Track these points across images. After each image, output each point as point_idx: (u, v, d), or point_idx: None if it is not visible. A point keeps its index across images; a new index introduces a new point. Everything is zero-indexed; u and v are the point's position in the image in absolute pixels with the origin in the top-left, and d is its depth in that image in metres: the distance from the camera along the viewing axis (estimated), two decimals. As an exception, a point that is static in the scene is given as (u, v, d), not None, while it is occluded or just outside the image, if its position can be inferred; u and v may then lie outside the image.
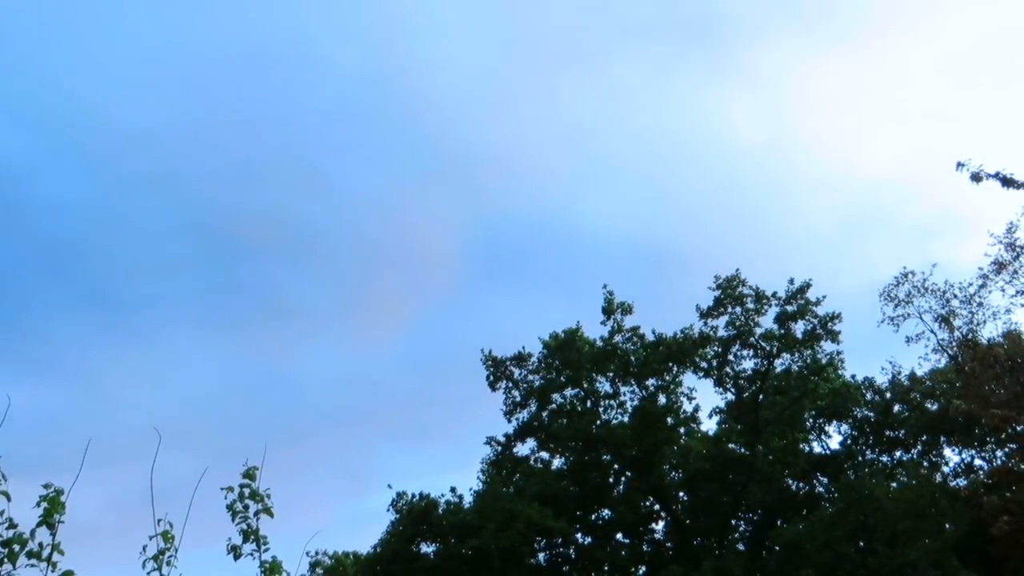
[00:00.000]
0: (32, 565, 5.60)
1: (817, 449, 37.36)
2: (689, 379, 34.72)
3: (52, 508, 5.66)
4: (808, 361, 33.12)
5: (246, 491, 6.18)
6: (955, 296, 33.37)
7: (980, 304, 32.81)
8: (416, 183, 74.66)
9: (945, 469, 35.69)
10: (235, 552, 6.03)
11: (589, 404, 35.08)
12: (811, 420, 36.69)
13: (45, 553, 5.63)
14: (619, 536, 35.28)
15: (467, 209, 77.93)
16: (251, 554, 6.04)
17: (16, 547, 5.56)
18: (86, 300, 68.36)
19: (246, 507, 6.16)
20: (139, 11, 66.56)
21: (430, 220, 72.13)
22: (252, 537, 6.07)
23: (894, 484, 31.95)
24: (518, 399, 35.20)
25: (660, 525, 36.15)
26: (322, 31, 72.85)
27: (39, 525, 5.64)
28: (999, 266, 30.93)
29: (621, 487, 35.32)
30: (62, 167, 66.16)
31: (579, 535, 33.93)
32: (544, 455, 36.13)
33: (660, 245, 72.83)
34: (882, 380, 36.74)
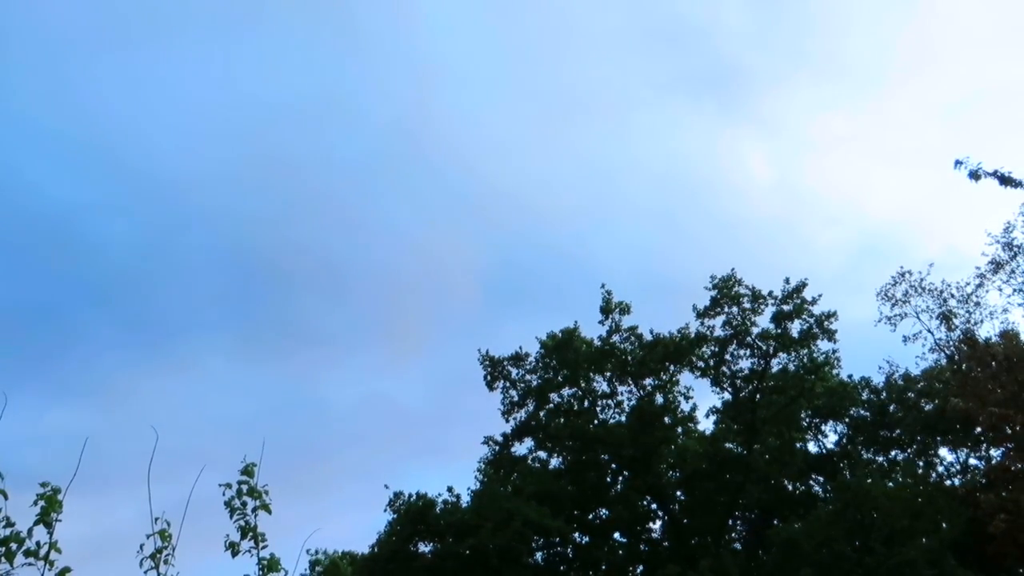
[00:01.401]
0: (29, 564, 5.57)
1: (814, 448, 37.45)
2: (686, 379, 34.83)
3: (49, 507, 5.63)
4: (804, 360, 33.12)
5: (244, 488, 6.17)
6: (952, 296, 33.46)
7: (977, 303, 32.91)
8: (440, 220, 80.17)
9: (941, 468, 35.74)
10: (233, 549, 6.02)
11: (586, 403, 35.09)
12: (808, 419, 36.70)
13: (42, 552, 5.60)
14: (616, 535, 35.26)
15: (488, 244, 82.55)
16: (249, 551, 6.02)
17: (13, 546, 5.54)
18: (132, 329, 73.29)
19: (244, 504, 6.15)
20: (191, 66, 73.32)
21: (452, 254, 77.17)
22: (250, 534, 6.05)
23: (891, 483, 31.95)
24: (516, 399, 35.23)
25: (657, 524, 36.21)
26: (359, 85, 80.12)
27: (36, 524, 5.61)
28: (996, 265, 31.01)
29: (618, 486, 35.30)
30: (116, 208, 73.19)
31: (576, 534, 33.87)
32: (542, 454, 36.16)
33: (673, 278, 75.84)
34: (878, 380, 36.80)
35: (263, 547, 6.04)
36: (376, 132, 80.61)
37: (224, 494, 6.14)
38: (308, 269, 78.82)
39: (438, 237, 77.49)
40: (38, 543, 5.61)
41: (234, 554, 5.98)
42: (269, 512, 6.16)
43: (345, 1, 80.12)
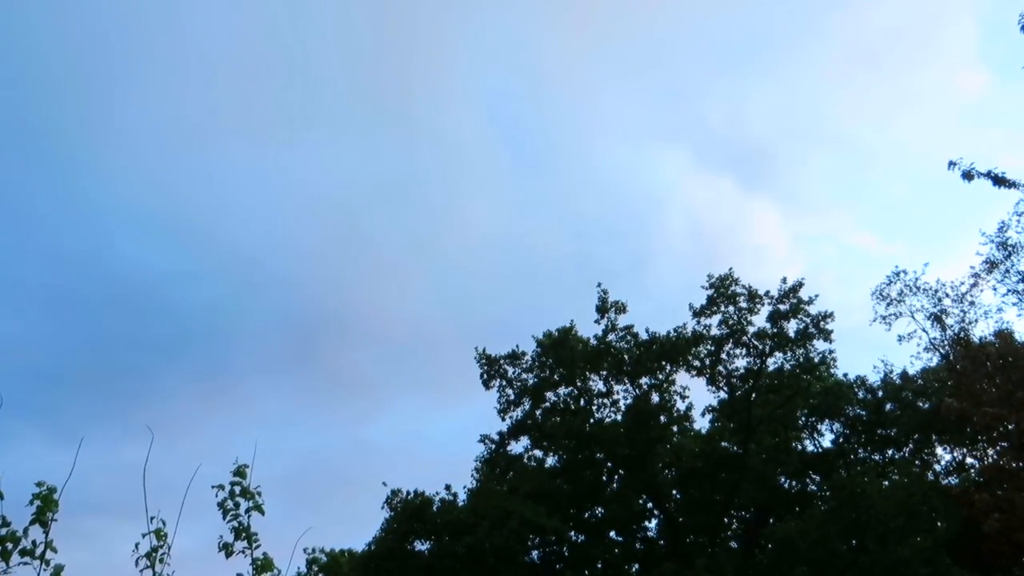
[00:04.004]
0: (25, 563, 5.61)
1: (809, 447, 37.42)
2: (682, 378, 34.70)
3: (45, 506, 5.67)
4: (801, 360, 33.13)
5: (237, 489, 6.23)
6: (947, 295, 33.54)
7: (972, 303, 32.98)
8: (479, 285, 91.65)
9: (937, 467, 35.80)
10: (227, 550, 6.07)
11: (582, 402, 35.11)
12: (803, 418, 36.73)
13: (39, 551, 5.64)
14: (612, 534, 35.35)
15: (523, 306, 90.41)
16: (243, 551, 6.08)
17: (9, 545, 5.57)
18: (201, 378, 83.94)
19: (237, 505, 6.21)
20: (266, 156, 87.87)
21: (490, 313, 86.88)
22: (243, 534, 6.11)
23: (886, 482, 32.03)
24: (512, 397, 35.21)
25: (653, 523, 36.24)
26: (407, 173, 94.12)
27: (32, 523, 5.65)
28: (991, 265, 31.09)
29: (614, 485, 35.38)
30: (198, 276, 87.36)
31: (572, 533, 33.97)
32: (538, 453, 36.18)
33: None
34: (874, 379, 36.84)
35: (256, 547, 6.10)
36: (421, 210, 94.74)
37: (217, 495, 6.21)
38: (360, 326, 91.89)
39: (478, 299, 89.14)
40: (34, 542, 5.65)
41: (228, 555, 6.04)
42: (262, 513, 6.22)
43: (399, 103, 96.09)
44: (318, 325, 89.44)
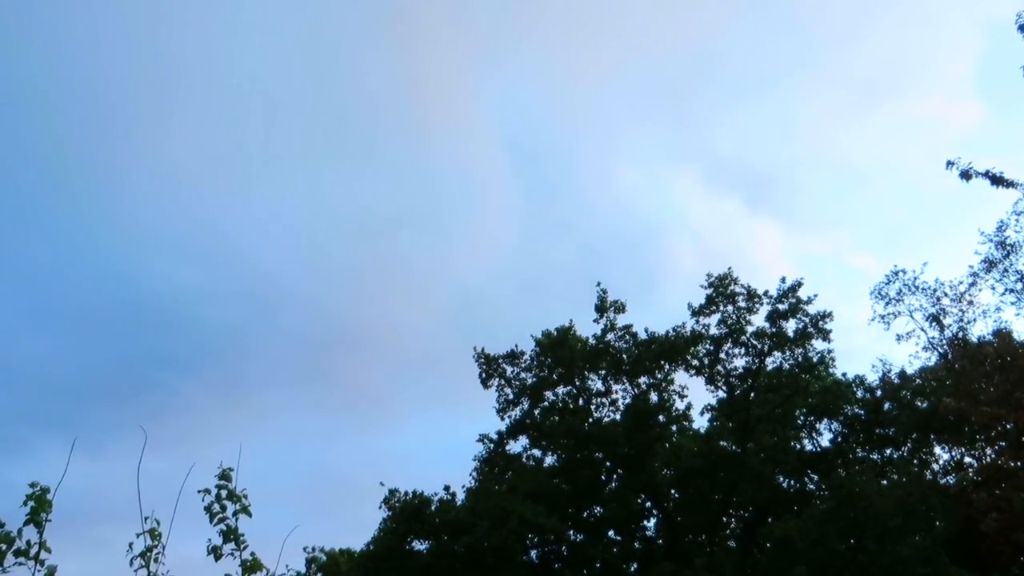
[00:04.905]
0: (20, 564, 5.62)
1: (808, 447, 37.43)
2: (681, 377, 34.77)
3: (39, 506, 5.69)
4: (799, 359, 33.13)
5: (223, 492, 6.24)
6: (945, 295, 33.51)
7: (970, 302, 32.95)
8: (483, 300, 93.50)
9: (935, 467, 35.81)
10: (216, 553, 6.09)
11: (581, 402, 35.13)
12: (802, 418, 36.76)
13: (33, 551, 5.65)
14: (611, 533, 35.34)
15: (529, 329, 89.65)
16: (231, 554, 6.09)
17: (3, 546, 5.58)
18: (219, 391, 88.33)
19: (223, 508, 6.22)
20: (287, 185, 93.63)
21: (493, 326, 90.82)
22: (232, 537, 6.13)
23: (885, 481, 32.06)
24: (511, 397, 35.23)
25: (652, 522, 36.26)
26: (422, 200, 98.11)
27: (26, 524, 5.66)
28: (989, 264, 31.08)
29: (613, 484, 35.39)
30: (222, 295, 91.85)
31: (571, 532, 33.95)
32: (536, 453, 36.23)
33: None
34: (873, 378, 36.85)
35: (244, 548, 6.12)
36: (437, 233, 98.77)
37: (204, 500, 6.22)
38: (376, 344, 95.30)
39: (490, 318, 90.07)
40: (28, 542, 5.66)
41: (216, 558, 6.06)
42: (249, 515, 6.24)
43: (417, 130, 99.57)
44: (335, 342, 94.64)
